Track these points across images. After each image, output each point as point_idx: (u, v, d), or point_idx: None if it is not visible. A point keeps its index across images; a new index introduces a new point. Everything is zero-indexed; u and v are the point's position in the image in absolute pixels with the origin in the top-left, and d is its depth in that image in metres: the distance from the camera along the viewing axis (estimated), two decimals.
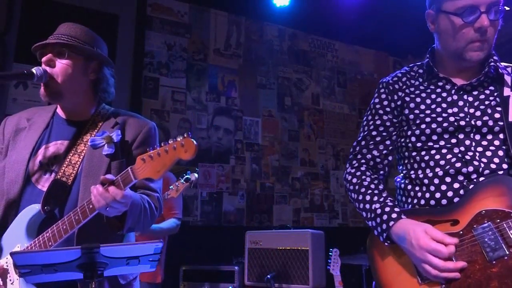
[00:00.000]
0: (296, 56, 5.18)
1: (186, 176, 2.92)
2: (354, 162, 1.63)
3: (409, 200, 1.53)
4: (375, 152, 1.60)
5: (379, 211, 1.46)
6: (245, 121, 4.72)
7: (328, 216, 5.03)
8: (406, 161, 1.59)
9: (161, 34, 4.40)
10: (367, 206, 1.50)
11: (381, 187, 1.54)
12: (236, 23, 4.87)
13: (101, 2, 4.09)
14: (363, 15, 4.78)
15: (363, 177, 1.57)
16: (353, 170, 1.61)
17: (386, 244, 1.45)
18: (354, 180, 1.58)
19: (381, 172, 1.62)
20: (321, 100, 5.26)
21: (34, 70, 1.57)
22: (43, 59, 1.63)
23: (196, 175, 3.05)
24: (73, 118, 1.73)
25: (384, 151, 1.61)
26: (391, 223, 1.41)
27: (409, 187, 1.54)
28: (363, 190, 1.54)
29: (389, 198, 1.49)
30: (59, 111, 1.76)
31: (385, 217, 1.43)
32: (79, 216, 1.46)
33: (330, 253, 3.16)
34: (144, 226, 1.63)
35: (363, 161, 1.61)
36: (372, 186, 1.54)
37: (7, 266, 1.53)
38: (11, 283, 1.51)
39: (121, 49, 4.08)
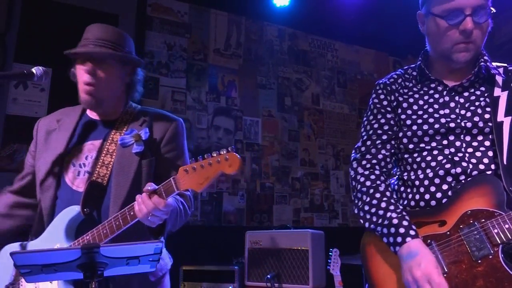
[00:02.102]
0: (296, 56, 5.17)
1: None
2: (365, 162, 1.60)
3: (401, 201, 1.55)
4: (384, 152, 1.59)
5: (395, 221, 1.44)
6: (245, 121, 4.72)
7: (328, 216, 5.03)
8: (399, 163, 1.61)
9: (161, 34, 4.40)
10: (381, 212, 1.48)
11: (395, 196, 1.55)
12: (236, 23, 4.87)
13: (101, 2, 4.09)
14: (363, 15, 4.78)
15: (378, 182, 1.55)
16: (366, 172, 1.59)
17: (395, 253, 1.44)
18: (368, 183, 1.56)
19: (391, 172, 1.63)
20: (321, 100, 5.25)
21: (34, 70, 1.58)
22: (85, 67, 1.64)
23: None
24: (103, 117, 1.76)
25: (392, 150, 1.61)
26: (408, 239, 1.39)
27: (402, 188, 1.56)
28: (378, 195, 1.52)
29: (404, 211, 1.48)
30: (88, 111, 1.78)
31: (402, 230, 1.41)
32: (119, 221, 1.49)
33: (330, 253, 3.16)
34: (179, 226, 1.69)
35: (374, 161, 1.59)
36: (388, 194, 1.52)
37: None
38: (51, 283, 1.53)
39: None
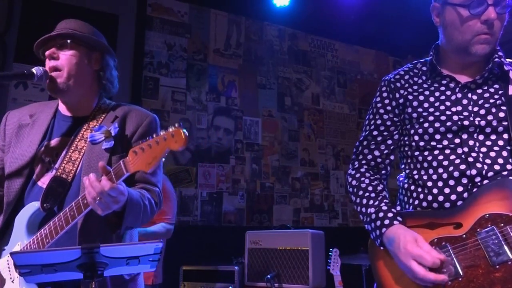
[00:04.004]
0: (296, 56, 5.18)
1: None
2: (356, 163, 1.63)
3: (411, 201, 1.52)
4: (376, 152, 1.59)
5: (373, 216, 1.46)
6: (245, 121, 4.72)
7: (328, 216, 5.03)
8: (409, 161, 1.56)
9: (161, 34, 4.40)
10: (364, 209, 1.51)
11: (379, 188, 1.54)
12: (236, 23, 4.87)
13: (101, 2, 4.09)
14: (363, 15, 4.78)
15: (362, 178, 1.57)
16: (353, 172, 1.61)
17: (381, 248, 1.45)
18: (354, 183, 1.58)
19: (383, 171, 1.61)
20: (321, 100, 5.25)
21: (34, 70, 1.57)
22: (47, 53, 1.62)
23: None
24: (74, 113, 1.72)
25: (386, 151, 1.59)
26: (384, 229, 1.41)
27: (412, 187, 1.52)
28: (360, 193, 1.54)
29: (384, 201, 1.48)
30: (61, 107, 1.75)
31: (378, 223, 1.44)
32: (74, 211, 1.43)
33: (330, 253, 3.16)
34: (144, 221, 1.61)
35: (363, 161, 1.61)
36: (370, 188, 1.53)
37: (8, 264, 1.53)
38: (12, 281, 1.52)
39: (121, 49, 4.08)
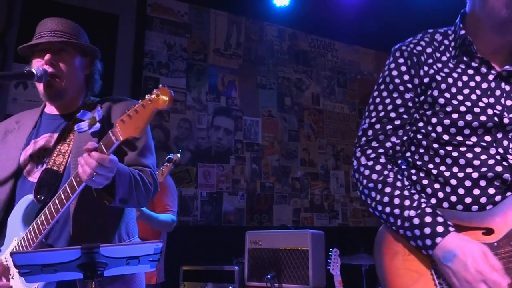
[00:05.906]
0: (296, 56, 5.18)
1: (168, 157, 2.92)
2: (369, 151, 1.34)
3: (424, 197, 1.30)
4: (394, 139, 1.33)
5: (416, 220, 1.20)
6: (245, 121, 4.72)
7: (328, 216, 5.03)
8: (421, 150, 1.33)
9: (161, 34, 4.40)
10: (397, 211, 1.24)
11: (407, 183, 1.29)
12: (236, 23, 4.87)
13: (101, 2, 4.09)
14: (363, 15, 4.78)
15: (385, 172, 1.30)
16: (370, 163, 1.32)
17: (430, 254, 1.21)
18: (374, 176, 1.30)
19: (399, 161, 1.38)
20: (321, 100, 5.26)
21: (34, 70, 1.58)
22: (46, 58, 1.62)
23: (178, 155, 3.05)
24: (62, 112, 1.74)
25: (404, 137, 1.34)
26: (438, 238, 1.16)
27: (425, 182, 1.31)
28: (388, 190, 1.27)
29: (422, 202, 1.24)
30: (47, 108, 1.77)
31: (428, 230, 1.18)
32: (68, 192, 1.43)
33: (330, 253, 3.16)
34: (139, 199, 1.57)
35: (381, 150, 1.33)
36: (398, 184, 1.27)
37: (6, 262, 1.54)
38: (11, 278, 1.52)
39: (121, 49, 4.08)
